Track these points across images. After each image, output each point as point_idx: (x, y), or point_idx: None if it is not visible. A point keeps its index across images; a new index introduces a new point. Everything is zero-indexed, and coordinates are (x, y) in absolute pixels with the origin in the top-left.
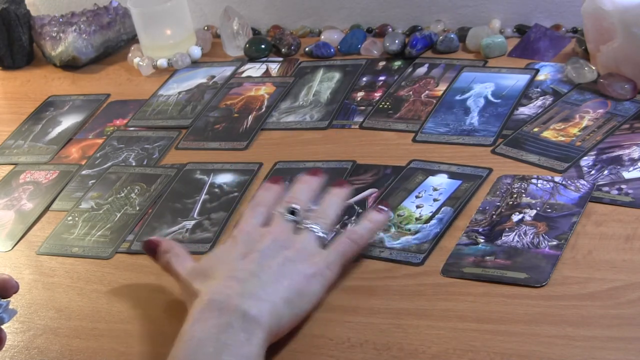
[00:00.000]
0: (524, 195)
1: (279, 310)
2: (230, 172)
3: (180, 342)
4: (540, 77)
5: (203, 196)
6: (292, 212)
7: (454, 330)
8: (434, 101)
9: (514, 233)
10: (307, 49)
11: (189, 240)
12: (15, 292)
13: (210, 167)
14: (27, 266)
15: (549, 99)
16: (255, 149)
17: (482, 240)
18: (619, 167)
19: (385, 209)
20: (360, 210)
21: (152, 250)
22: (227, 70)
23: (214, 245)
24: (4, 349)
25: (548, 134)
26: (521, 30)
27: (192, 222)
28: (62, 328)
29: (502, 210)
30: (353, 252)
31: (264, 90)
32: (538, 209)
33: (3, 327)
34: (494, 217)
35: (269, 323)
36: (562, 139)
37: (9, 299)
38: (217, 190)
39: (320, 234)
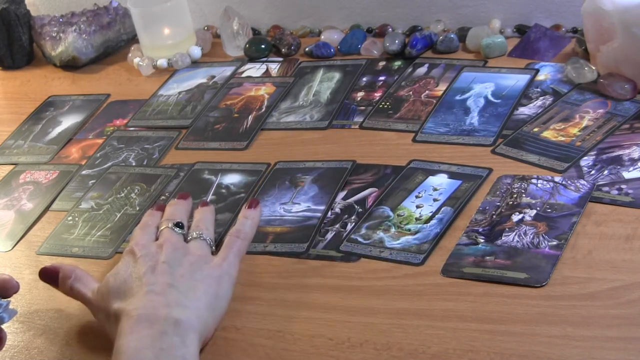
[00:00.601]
0: (524, 195)
1: (204, 315)
2: (237, 173)
3: (117, 355)
4: (540, 77)
5: (210, 197)
6: (178, 225)
7: (454, 330)
8: (434, 101)
9: (514, 233)
10: (307, 49)
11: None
12: (16, 292)
13: (219, 167)
14: (27, 266)
15: (549, 99)
16: (255, 149)
17: (482, 240)
18: (619, 167)
19: (256, 203)
20: (360, 209)
21: (52, 278)
22: (227, 70)
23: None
24: (4, 348)
25: (548, 134)
26: (521, 30)
27: None
28: (62, 328)
29: (502, 210)
30: (245, 249)
31: (264, 90)
32: (538, 209)
33: (3, 326)
34: (494, 217)
35: (198, 328)
36: (562, 139)
37: (9, 299)
38: (224, 190)
39: (209, 241)
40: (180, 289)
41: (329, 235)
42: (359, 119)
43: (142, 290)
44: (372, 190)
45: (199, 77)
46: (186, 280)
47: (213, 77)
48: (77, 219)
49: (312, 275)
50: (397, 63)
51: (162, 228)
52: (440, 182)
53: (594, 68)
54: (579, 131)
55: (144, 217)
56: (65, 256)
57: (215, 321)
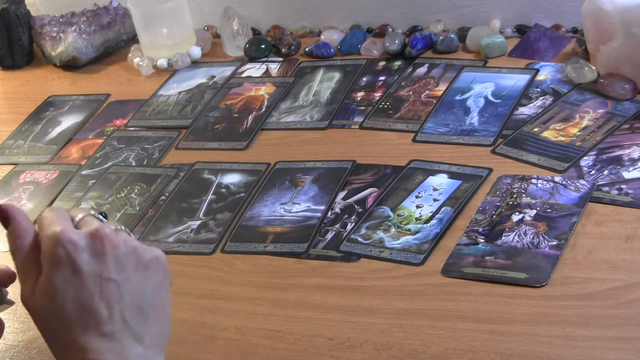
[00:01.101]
0: (524, 195)
1: (162, 356)
2: (238, 173)
3: None
4: (540, 77)
5: (210, 196)
6: (102, 214)
7: (454, 330)
8: (434, 101)
9: (514, 233)
10: (307, 49)
11: (193, 240)
12: (12, 281)
13: (219, 167)
14: None
15: (549, 99)
16: (255, 149)
17: (482, 240)
18: (619, 167)
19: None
20: (360, 210)
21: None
22: (227, 70)
23: (217, 246)
24: (4, 348)
25: (548, 134)
26: (521, 30)
27: (198, 222)
28: None
29: (502, 210)
30: None
31: (264, 90)
32: (538, 209)
33: (1, 317)
34: (494, 217)
35: None
36: (562, 139)
37: (6, 288)
38: (223, 190)
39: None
40: (135, 329)
41: (329, 235)
42: (359, 119)
43: (97, 330)
44: (372, 190)
45: (199, 77)
46: (135, 309)
47: (213, 77)
48: None
49: (312, 275)
50: (397, 63)
51: (82, 216)
52: (440, 182)
53: (594, 68)
54: (579, 131)
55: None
56: None
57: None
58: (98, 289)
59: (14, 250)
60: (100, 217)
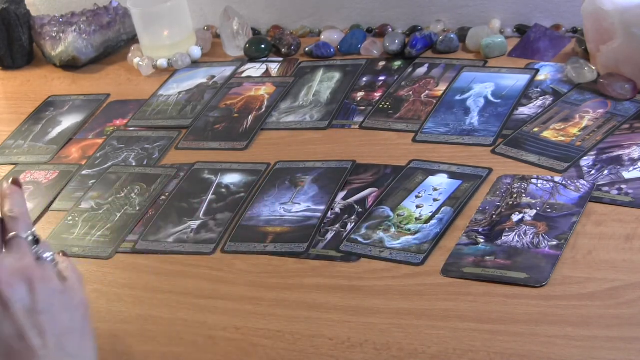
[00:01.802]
0: (524, 195)
1: None
2: (238, 173)
3: None
4: (540, 77)
5: (210, 196)
6: (35, 239)
7: (454, 330)
8: (434, 101)
9: (514, 233)
10: (307, 49)
11: (193, 240)
12: None
13: (219, 167)
14: None
15: (549, 99)
16: (255, 149)
17: (482, 240)
18: (619, 167)
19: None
20: (360, 210)
21: None
22: (227, 70)
23: (217, 246)
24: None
25: (548, 134)
26: (521, 30)
27: (198, 222)
28: None
29: (502, 210)
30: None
31: (264, 90)
32: (538, 209)
33: None
34: (494, 217)
35: None
36: (562, 139)
37: None
38: (223, 190)
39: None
40: (72, 353)
41: (329, 235)
42: (359, 119)
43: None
44: (372, 190)
45: (199, 77)
46: (69, 335)
47: (213, 77)
48: (77, 219)
49: (312, 275)
50: (397, 63)
51: (13, 235)
52: (440, 182)
53: (594, 68)
54: (579, 131)
55: None
56: None
57: None
58: (30, 321)
59: None
60: (34, 245)
